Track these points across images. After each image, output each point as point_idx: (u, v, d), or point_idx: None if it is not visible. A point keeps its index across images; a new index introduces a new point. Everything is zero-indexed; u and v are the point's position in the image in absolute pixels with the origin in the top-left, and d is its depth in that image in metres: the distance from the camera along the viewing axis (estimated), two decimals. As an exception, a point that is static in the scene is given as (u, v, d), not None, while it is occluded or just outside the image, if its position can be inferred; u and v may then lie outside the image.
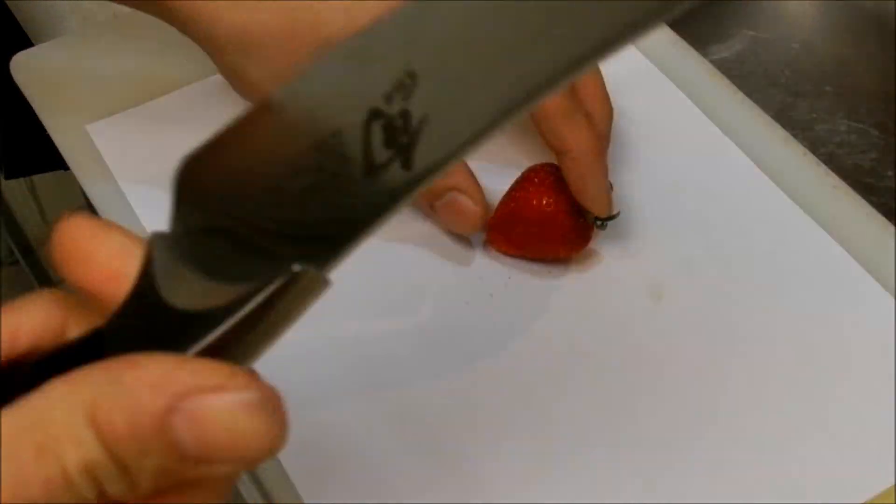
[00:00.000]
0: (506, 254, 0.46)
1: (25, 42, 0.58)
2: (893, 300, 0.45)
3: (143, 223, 0.47)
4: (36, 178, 1.20)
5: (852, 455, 0.41)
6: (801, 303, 0.45)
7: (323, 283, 0.25)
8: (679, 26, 0.55)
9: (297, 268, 0.24)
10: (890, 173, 0.62)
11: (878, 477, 0.40)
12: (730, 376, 0.43)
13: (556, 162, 0.45)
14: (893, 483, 0.40)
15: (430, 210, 0.46)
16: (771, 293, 0.45)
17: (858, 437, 0.41)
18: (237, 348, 0.24)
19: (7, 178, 0.94)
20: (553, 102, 0.43)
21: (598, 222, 0.45)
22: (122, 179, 0.49)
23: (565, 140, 0.44)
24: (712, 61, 0.54)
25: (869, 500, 0.40)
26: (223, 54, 0.43)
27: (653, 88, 0.53)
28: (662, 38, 0.55)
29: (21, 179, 1.23)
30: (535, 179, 0.45)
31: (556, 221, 0.44)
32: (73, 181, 0.51)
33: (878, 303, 0.45)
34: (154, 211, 0.48)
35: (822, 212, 0.48)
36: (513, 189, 0.46)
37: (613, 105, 0.47)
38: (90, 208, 0.60)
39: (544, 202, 0.44)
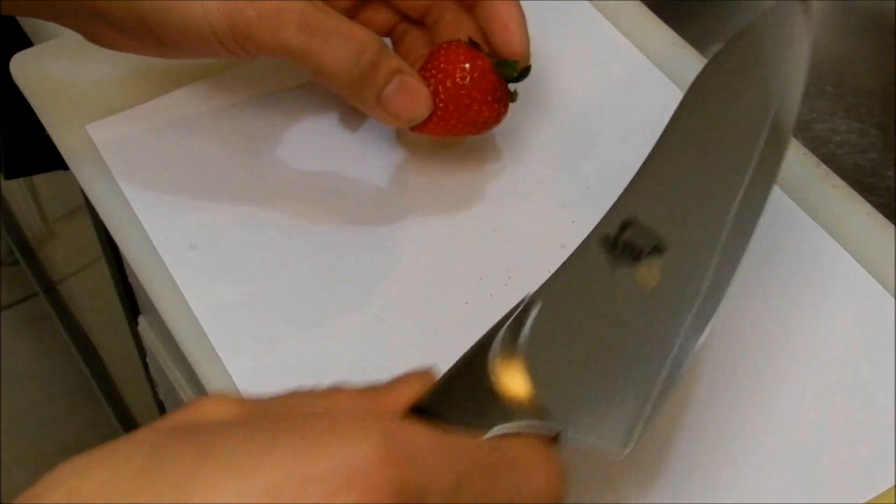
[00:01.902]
0: (432, 135, 0.46)
1: (25, 42, 0.58)
2: (893, 300, 0.45)
3: (143, 223, 0.47)
4: (36, 178, 1.20)
5: (852, 455, 0.41)
6: (801, 302, 0.45)
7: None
8: (679, 26, 0.55)
9: None
10: (890, 173, 0.62)
11: (878, 477, 0.40)
12: (728, 376, 0.43)
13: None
14: (893, 483, 0.40)
15: (376, 104, 0.44)
16: (770, 292, 0.45)
17: (858, 437, 0.41)
18: None
19: (7, 178, 0.94)
20: None
21: (515, 76, 0.45)
22: (121, 179, 0.49)
23: None
24: (712, 61, 0.54)
25: (869, 500, 0.40)
26: None
27: (653, 88, 0.53)
28: (662, 38, 0.55)
29: (21, 179, 1.23)
30: (447, 52, 0.44)
31: (484, 78, 0.44)
32: (73, 181, 0.51)
33: (878, 303, 0.45)
34: (153, 211, 0.48)
35: (822, 212, 0.48)
36: (427, 65, 0.45)
37: (613, 104, 0.47)
38: (90, 208, 0.60)
39: (467, 65, 0.44)
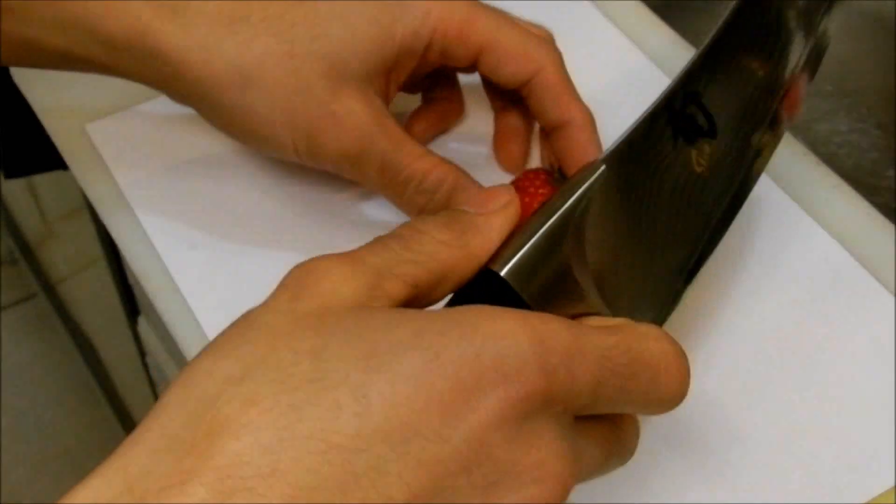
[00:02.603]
0: None
1: (25, 42, 0.58)
2: (893, 300, 0.45)
3: (142, 223, 0.47)
4: (36, 178, 1.20)
5: (852, 455, 0.41)
6: (801, 302, 0.45)
7: None
8: (679, 26, 0.55)
9: None
10: (890, 173, 0.62)
11: (878, 477, 0.40)
12: (729, 376, 0.43)
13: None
14: (893, 484, 0.40)
15: None
16: (770, 292, 0.45)
17: (858, 437, 0.41)
18: None
19: (7, 178, 0.94)
20: (556, 74, 0.43)
21: None
22: (121, 179, 0.49)
23: (570, 108, 0.43)
24: (712, 61, 0.54)
25: (869, 500, 0.40)
26: (221, 93, 0.41)
27: (653, 88, 0.52)
28: (662, 37, 0.55)
29: (21, 179, 1.23)
30: (531, 180, 0.44)
31: None
32: (73, 181, 0.51)
33: (878, 303, 0.45)
34: (153, 211, 0.48)
35: (822, 212, 0.48)
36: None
37: (613, 104, 0.47)
38: (90, 208, 0.60)
39: (542, 196, 0.43)
